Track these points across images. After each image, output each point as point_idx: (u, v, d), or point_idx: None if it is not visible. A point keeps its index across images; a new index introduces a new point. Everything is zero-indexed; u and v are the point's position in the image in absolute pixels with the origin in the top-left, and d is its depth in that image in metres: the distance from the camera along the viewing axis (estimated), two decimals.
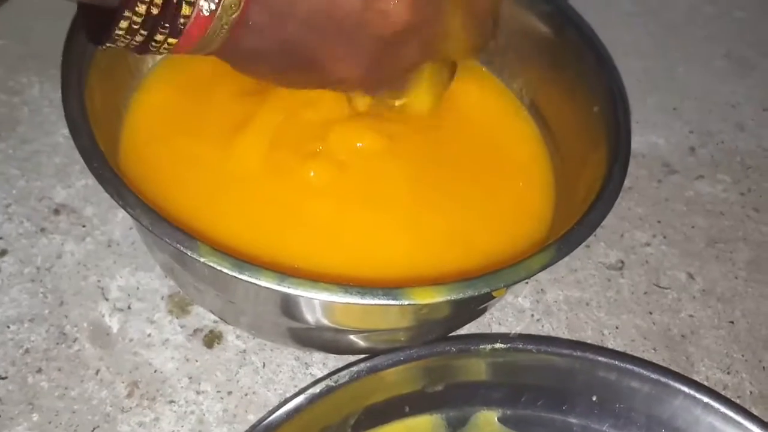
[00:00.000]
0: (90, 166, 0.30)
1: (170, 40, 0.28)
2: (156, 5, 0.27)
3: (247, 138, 0.38)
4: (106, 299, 0.37)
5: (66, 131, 0.43)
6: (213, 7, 0.27)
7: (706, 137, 0.50)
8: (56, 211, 0.40)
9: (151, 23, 0.27)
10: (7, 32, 0.48)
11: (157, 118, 0.38)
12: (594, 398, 0.35)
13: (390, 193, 0.38)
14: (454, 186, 0.39)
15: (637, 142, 0.36)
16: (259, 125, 0.38)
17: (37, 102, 0.44)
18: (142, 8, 0.26)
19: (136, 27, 0.27)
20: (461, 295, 0.29)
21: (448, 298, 0.29)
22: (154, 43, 0.28)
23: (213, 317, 0.37)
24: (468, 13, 0.34)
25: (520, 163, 0.41)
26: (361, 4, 0.30)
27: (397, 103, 0.37)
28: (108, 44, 0.28)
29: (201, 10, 0.27)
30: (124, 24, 0.27)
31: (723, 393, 0.37)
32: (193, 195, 0.36)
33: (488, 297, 0.31)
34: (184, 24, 0.27)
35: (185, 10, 0.27)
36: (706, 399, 0.34)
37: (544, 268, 0.30)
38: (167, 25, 0.27)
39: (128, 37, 0.28)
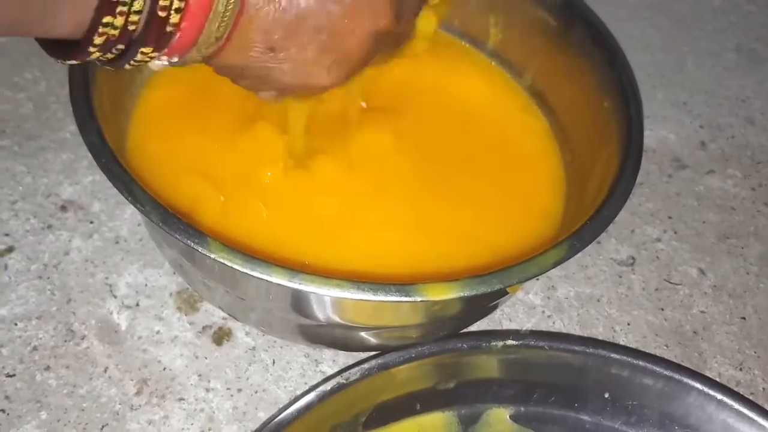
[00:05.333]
0: (99, 163, 0.29)
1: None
2: (115, 53, 0.25)
3: (254, 135, 0.37)
4: (114, 296, 0.37)
5: (72, 127, 0.43)
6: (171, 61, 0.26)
7: (717, 132, 0.49)
8: (63, 208, 0.40)
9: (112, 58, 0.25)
10: None
11: (164, 115, 0.38)
12: (606, 395, 0.35)
13: (398, 189, 0.37)
14: (463, 182, 0.38)
15: (647, 137, 0.36)
16: (266, 122, 0.38)
17: (43, 98, 0.44)
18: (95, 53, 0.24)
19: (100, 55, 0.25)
20: (474, 292, 0.28)
21: (461, 294, 0.28)
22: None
23: (222, 314, 0.37)
24: None
25: (530, 158, 0.40)
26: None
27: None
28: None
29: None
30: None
31: (735, 389, 0.36)
32: (200, 192, 0.35)
33: (501, 293, 0.31)
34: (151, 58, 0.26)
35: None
36: (719, 396, 0.34)
37: (557, 264, 0.30)
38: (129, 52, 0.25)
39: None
